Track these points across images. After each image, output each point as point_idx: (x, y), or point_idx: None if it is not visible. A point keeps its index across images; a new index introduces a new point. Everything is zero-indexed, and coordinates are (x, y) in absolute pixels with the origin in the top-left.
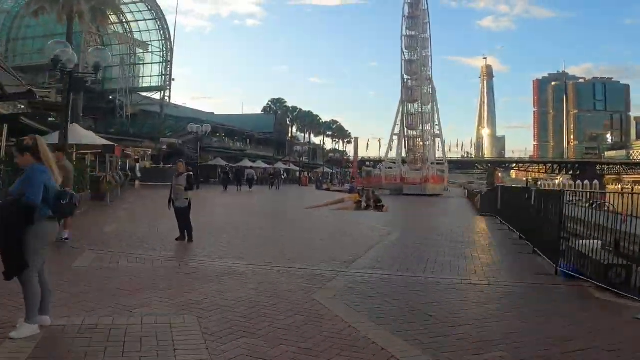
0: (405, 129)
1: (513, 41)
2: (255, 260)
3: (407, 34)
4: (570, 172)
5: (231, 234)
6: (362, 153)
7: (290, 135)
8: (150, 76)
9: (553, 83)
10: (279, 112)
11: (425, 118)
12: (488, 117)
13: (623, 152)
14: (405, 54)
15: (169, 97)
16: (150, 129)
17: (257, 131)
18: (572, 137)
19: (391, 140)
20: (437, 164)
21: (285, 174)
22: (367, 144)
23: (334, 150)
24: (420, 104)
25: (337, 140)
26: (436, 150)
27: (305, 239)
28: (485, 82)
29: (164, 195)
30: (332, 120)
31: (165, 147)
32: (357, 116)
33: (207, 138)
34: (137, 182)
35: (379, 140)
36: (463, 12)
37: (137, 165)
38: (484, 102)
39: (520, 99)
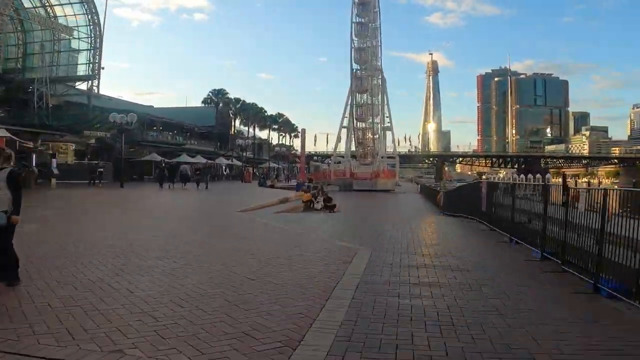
0: (355, 121)
1: (459, 38)
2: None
3: (357, 20)
4: (515, 166)
5: (103, 266)
6: (310, 148)
7: (233, 129)
8: (77, 64)
9: (496, 79)
10: (221, 104)
11: (375, 110)
12: (434, 112)
13: (562, 146)
14: (355, 41)
15: (98, 88)
16: (72, 121)
17: (199, 125)
18: (514, 131)
19: (340, 133)
20: (388, 157)
21: (227, 170)
22: (315, 138)
23: (280, 145)
24: (369, 96)
25: (283, 134)
26: (386, 144)
27: (215, 277)
28: (431, 77)
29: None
30: (278, 113)
31: (92, 141)
32: (306, 111)
33: (139, 131)
34: (53, 181)
35: (327, 136)
36: (411, 7)
37: (54, 160)
38: (429, 97)
39: (466, 94)
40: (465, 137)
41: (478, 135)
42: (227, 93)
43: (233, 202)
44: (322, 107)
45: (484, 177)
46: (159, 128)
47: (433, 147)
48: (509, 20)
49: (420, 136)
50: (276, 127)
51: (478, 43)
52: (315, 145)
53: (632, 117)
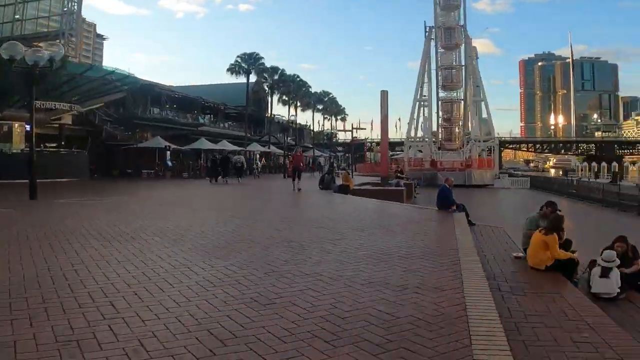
0: (439, 90)
1: (507, 24)
2: None
3: None
4: (581, 153)
5: None
6: (359, 135)
7: (270, 109)
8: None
9: (540, 63)
10: (252, 73)
11: (462, 76)
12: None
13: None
14: None
15: (75, 48)
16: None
17: (226, 103)
18: (560, 117)
19: (414, 109)
20: (482, 141)
21: (261, 159)
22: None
23: (322, 132)
24: (457, 55)
25: (328, 117)
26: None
27: None
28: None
29: None
30: (324, 91)
31: (62, 119)
32: (350, 100)
33: (135, 106)
34: None
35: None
36: None
37: None
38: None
39: (511, 82)
40: (506, 125)
41: (521, 121)
42: (261, 59)
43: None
44: (368, 97)
45: (531, 164)
46: (171, 106)
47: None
48: (561, 5)
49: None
50: (320, 107)
51: (526, 29)
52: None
53: None
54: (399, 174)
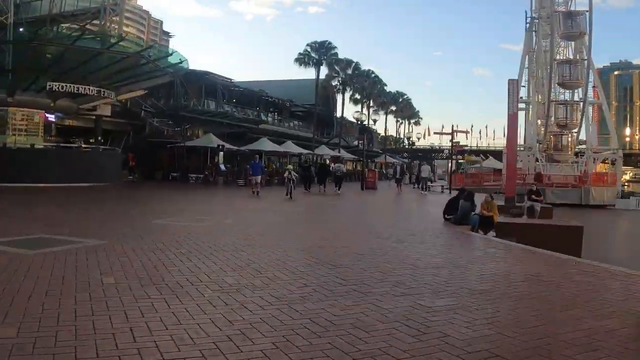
0: (552, 90)
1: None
2: None
3: None
4: None
5: None
6: (425, 141)
7: (342, 106)
8: None
9: (616, 72)
10: (323, 63)
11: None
12: None
13: None
14: None
15: (117, 27)
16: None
17: (292, 101)
18: (637, 129)
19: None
20: (595, 152)
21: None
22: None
23: (391, 138)
24: (576, 47)
25: (401, 120)
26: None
27: None
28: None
29: None
30: (398, 91)
31: (98, 108)
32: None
33: (189, 99)
34: None
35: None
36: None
37: None
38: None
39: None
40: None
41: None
42: (334, 48)
43: None
44: (435, 103)
45: None
46: (230, 100)
47: None
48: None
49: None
50: (394, 109)
51: (601, 36)
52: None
53: None
54: (533, 194)
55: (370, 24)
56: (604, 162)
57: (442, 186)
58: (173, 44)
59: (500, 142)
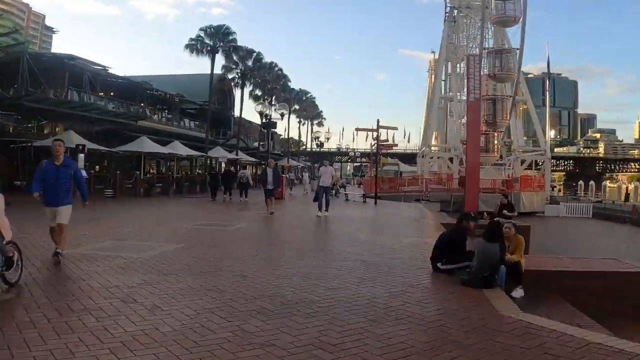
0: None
1: None
2: None
3: None
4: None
5: None
6: (331, 144)
7: (241, 102)
8: None
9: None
10: (219, 51)
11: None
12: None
13: (574, 148)
14: None
15: None
16: None
17: (182, 96)
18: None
19: (429, 108)
20: (524, 152)
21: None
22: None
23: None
24: (496, 40)
25: (303, 121)
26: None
27: None
28: (432, 76)
29: None
30: (301, 90)
31: None
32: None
33: (46, 89)
34: None
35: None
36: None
37: None
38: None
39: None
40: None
41: None
42: (232, 34)
43: None
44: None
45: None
46: (107, 94)
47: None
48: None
49: (421, 138)
50: (297, 107)
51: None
52: (341, 139)
53: None
54: (504, 209)
55: (273, 27)
56: (530, 166)
57: (364, 195)
58: (57, 41)
59: (402, 147)
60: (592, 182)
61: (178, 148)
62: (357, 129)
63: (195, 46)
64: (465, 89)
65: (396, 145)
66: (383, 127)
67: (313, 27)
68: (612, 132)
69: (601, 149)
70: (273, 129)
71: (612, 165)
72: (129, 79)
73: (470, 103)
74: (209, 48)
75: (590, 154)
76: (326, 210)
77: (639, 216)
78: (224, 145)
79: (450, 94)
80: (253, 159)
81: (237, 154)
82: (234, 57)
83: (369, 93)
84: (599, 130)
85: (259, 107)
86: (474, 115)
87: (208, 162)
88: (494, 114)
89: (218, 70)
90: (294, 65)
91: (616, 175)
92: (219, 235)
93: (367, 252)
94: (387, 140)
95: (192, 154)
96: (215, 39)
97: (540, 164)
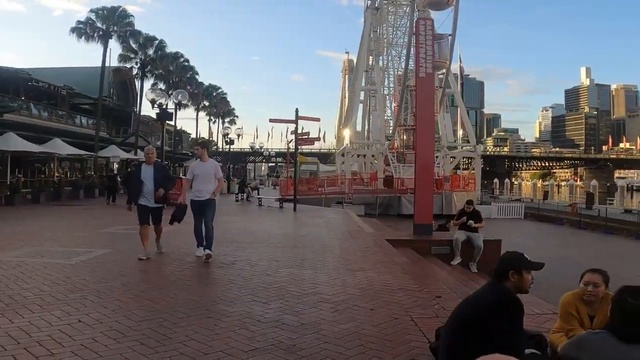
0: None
1: None
2: None
3: None
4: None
5: None
6: (245, 143)
7: (140, 97)
8: None
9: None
10: (113, 36)
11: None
12: (349, 113)
13: (480, 147)
14: None
15: None
16: None
17: (74, 89)
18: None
19: (355, 104)
20: (451, 149)
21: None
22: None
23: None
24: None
25: (214, 119)
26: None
27: None
28: (346, 77)
29: None
30: (212, 85)
31: None
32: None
33: None
34: None
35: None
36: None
37: None
38: (344, 97)
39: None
40: None
41: None
42: (129, 17)
43: None
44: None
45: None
46: None
47: None
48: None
49: (336, 137)
50: (207, 104)
51: None
52: (256, 138)
53: (540, 120)
54: (469, 218)
55: (190, 28)
56: (458, 165)
57: (281, 199)
58: None
59: (317, 146)
60: (507, 180)
61: (58, 147)
62: (272, 120)
63: (84, 30)
64: (413, 63)
65: (318, 139)
66: (303, 118)
67: (232, 30)
68: (515, 131)
69: (506, 148)
70: (169, 122)
71: (518, 163)
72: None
73: (420, 79)
74: (100, 33)
75: (500, 152)
76: (208, 248)
77: (580, 217)
78: (122, 145)
79: (376, 86)
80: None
81: (135, 154)
82: (132, 44)
83: (285, 94)
84: (503, 129)
85: (151, 95)
86: (426, 92)
87: (110, 162)
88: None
89: (117, 60)
90: (211, 67)
91: (521, 173)
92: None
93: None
94: (308, 134)
95: (75, 153)
96: (108, 23)
97: (468, 162)
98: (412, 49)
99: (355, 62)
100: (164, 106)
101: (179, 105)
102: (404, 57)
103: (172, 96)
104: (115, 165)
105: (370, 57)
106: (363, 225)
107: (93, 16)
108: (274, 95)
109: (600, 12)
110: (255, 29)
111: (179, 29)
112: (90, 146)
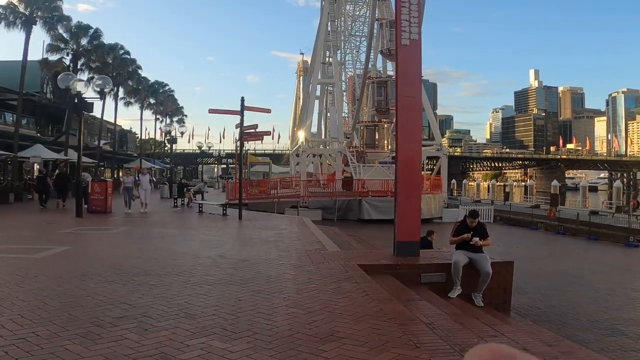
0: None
1: None
2: None
3: None
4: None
5: None
6: (185, 145)
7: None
8: None
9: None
10: (38, 22)
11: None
12: (303, 115)
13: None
14: None
15: None
16: None
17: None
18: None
19: (310, 100)
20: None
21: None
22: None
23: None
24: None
25: (161, 118)
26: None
27: None
28: (300, 78)
29: None
30: (158, 81)
31: None
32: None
33: None
34: None
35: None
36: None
37: None
38: (299, 98)
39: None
40: None
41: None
42: (57, 1)
43: None
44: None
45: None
46: None
47: None
48: None
49: (290, 139)
50: (152, 101)
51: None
52: (205, 139)
53: (491, 121)
54: (475, 233)
55: (141, 27)
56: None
57: (224, 206)
58: None
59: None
60: (464, 181)
61: None
62: (212, 111)
63: (4, 15)
64: (394, 31)
65: (268, 133)
66: (250, 109)
67: (187, 29)
68: (467, 132)
69: (459, 149)
70: (91, 114)
71: (471, 164)
72: None
73: (404, 48)
74: (23, 18)
75: (455, 153)
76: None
77: (559, 221)
78: (52, 144)
79: (329, 80)
80: (91, 160)
81: (65, 154)
82: (62, 33)
83: (240, 95)
84: (456, 130)
85: (64, 81)
86: (412, 64)
87: (30, 163)
88: (385, 99)
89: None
90: (165, 67)
91: (473, 174)
92: None
93: None
94: (256, 127)
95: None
96: (32, 7)
97: (432, 162)
98: (372, 40)
99: (309, 62)
100: (82, 94)
101: (100, 94)
102: (365, 48)
103: (91, 83)
104: (36, 167)
105: (327, 51)
106: (324, 240)
107: (15, 0)
108: (229, 95)
109: (550, 17)
110: (212, 27)
111: (135, 28)
112: (8, 145)
